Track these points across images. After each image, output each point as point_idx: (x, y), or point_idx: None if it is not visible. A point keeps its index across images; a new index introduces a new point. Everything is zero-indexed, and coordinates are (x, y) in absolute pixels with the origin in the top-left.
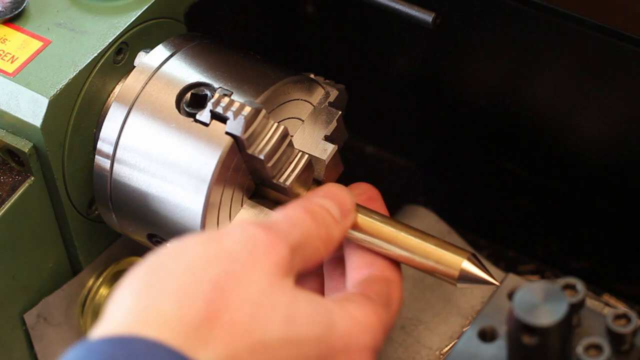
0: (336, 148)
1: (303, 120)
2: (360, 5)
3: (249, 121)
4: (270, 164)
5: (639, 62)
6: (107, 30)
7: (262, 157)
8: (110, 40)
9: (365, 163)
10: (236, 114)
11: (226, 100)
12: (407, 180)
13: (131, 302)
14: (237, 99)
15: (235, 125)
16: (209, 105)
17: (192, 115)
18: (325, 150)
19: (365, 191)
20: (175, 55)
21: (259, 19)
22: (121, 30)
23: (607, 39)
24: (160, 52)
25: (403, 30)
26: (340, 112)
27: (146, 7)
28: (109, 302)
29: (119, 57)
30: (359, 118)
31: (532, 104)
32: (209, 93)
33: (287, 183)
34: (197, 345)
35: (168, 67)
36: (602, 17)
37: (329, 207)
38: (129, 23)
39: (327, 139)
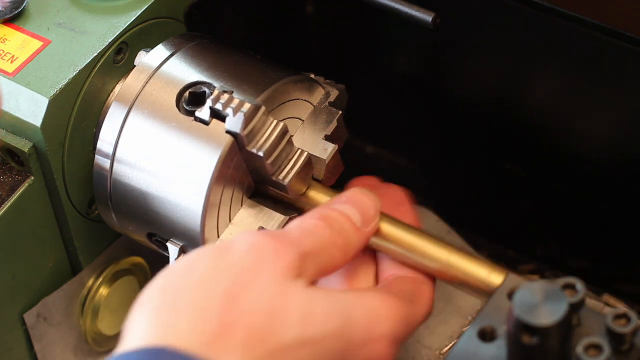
0: (336, 148)
1: (303, 120)
2: (360, 5)
3: (249, 118)
4: (269, 161)
5: (639, 62)
6: (107, 30)
7: (261, 154)
8: (110, 40)
9: (365, 163)
10: (236, 110)
11: (226, 97)
12: (407, 180)
13: (148, 322)
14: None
15: (234, 122)
16: (209, 102)
17: (192, 114)
18: (326, 150)
19: (389, 193)
20: (175, 55)
21: (258, 19)
22: (121, 30)
23: (607, 39)
24: (160, 51)
25: (403, 30)
26: (340, 112)
27: (146, 7)
28: (126, 326)
29: (119, 57)
30: (359, 118)
31: (532, 104)
32: (207, 90)
33: (287, 181)
34: (217, 357)
35: (168, 67)
36: (602, 17)
37: (349, 214)
38: (129, 23)
39: (328, 138)
